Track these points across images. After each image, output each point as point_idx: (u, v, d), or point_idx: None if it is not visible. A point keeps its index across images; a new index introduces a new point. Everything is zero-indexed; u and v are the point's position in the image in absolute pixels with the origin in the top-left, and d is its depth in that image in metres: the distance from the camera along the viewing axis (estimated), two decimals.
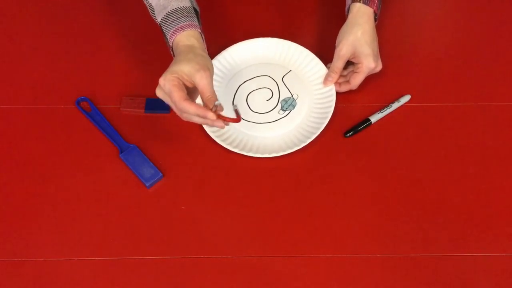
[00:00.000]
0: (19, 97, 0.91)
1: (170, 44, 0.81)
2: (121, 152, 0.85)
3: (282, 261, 0.78)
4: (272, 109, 0.89)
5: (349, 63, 0.89)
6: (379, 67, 0.87)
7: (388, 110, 0.89)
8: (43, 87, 0.92)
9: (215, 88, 0.89)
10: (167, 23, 0.80)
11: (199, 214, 0.81)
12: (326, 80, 0.89)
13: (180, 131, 0.88)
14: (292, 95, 0.90)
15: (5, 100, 0.91)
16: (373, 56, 0.85)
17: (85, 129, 0.88)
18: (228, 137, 0.86)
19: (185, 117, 0.76)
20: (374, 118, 0.88)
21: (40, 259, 0.78)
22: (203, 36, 0.82)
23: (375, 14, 0.87)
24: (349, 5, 0.88)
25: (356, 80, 0.87)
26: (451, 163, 0.85)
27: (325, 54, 0.91)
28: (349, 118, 0.88)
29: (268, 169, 0.84)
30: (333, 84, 0.89)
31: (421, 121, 0.89)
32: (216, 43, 0.93)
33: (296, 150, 0.84)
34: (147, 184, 0.82)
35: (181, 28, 0.79)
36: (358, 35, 0.85)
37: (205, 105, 0.76)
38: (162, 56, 0.95)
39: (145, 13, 0.93)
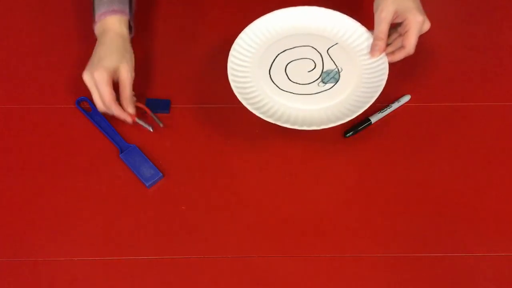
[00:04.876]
0: (19, 97, 0.91)
1: (96, 20, 0.86)
2: (121, 152, 0.85)
3: (282, 261, 0.78)
4: (313, 81, 0.84)
5: (393, 31, 0.83)
6: (428, 24, 0.80)
7: (388, 110, 0.89)
8: (43, 87, 0.92)
9: (249, 55, 0.88)
10: (101, 2, 0.86)
11: (199, 214, 0.81)
12: (373, 50, 0.83)
13: (180, 131, 0.88)
14: (336, 67, 0.85)
15: (5, 100, 0.91)
16: (418, 9, 0.78)
17: (85, 129, 0.88)
18: (263, 105, 0.83)
19: (106, 107, 0.83)
20: (374, 118, 0.88)
21: (40, 259, 0.78)
22: (131, 23, 0.88)
23: None
24: None
25: (410, 40, 0.79)
26: (451, 163, 0.85)
27: (366, 18, 0.87)
28: None
29: (268, 169, 0.84)
30: (385, 56, 0.83)
31: (421, 121, 0.89)
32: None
33: (296, 149, 0.85)
34: (147, 184, 0.82)
35: (112, 11, 0.85)
36: None
37: (123, 100, 0.84)
38: (162, 56, 0.96)
39: (145, 13, 0.94)
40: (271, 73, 0.86)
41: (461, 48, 0.97)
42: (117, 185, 0.83)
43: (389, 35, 0.84)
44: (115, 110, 0.83)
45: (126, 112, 0.84)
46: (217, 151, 0.86)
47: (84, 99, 0.90)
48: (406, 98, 0.90)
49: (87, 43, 0.96)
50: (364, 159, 0.85)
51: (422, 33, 0.81)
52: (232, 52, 0.87)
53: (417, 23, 0.79)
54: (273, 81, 0.85)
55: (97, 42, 0.86)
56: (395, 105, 0.89)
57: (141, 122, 0.86)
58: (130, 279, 0.76)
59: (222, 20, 1.00)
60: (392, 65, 0.91)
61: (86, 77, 0.82)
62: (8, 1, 1.03)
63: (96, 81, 0.81)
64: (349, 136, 0.87)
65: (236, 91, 0.83)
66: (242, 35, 0.88)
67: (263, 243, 0.79)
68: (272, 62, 0.87)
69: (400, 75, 0.93)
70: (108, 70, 0.81)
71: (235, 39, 0.90)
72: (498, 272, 0.77)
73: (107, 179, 0.84)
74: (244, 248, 0.78)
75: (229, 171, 0.85)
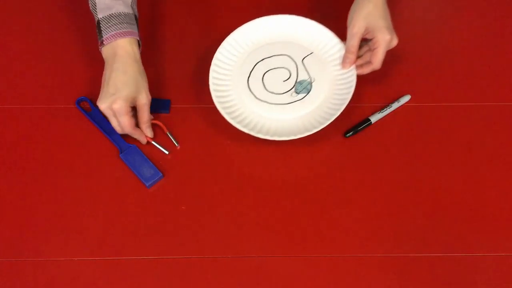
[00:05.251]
0: (19, 97, 0.91)
1: (105, 43, 0.82)
2: (121, 152, 0.85)
3: (282, 261, 0.78)
4: (287, 91, 0.87)
5: (363, 43, 0.87)
6: (395, 41, 0.84)
7: (388, 110, 0.89)
8: (43, 87, 0.92)
9: (231, 64, 0.90)
10: (109, 24, 0.83)
11: (199, 214, 0.81)
12: (344, 62, 0.87)
13: (180, 131, 0.88)
14: (309, 78, 0.87)
15: (5, 100, 0.91)
16: (387, 28, 0.82)
17: (85, 129, 0.88)
18: (239, 115, 0.85)
19: (122, 129, 0.83)
20: (374, 118, 0.88)
21: (40, 259, 0.78)
22: (140, 43, 0.86)
23: None
24: None
25: (378, 57, 0.83)
26: (451, 163, 0.85)
27: (340, 28, 0.88)
28: (349, 118, 0.88)
29: (267, 169, 0.84)
30: (354, 69, 0.86)
31: (421, 121, 0.89)
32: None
33: (296, 149, 0.84)
34: (147, 184, 0.82)
35: (123, 33, 0.82)
36: (370, 9, 0.82)
37: (142, 124, 0.85)
38: (161, 56, 0.96)
39: (144, 14, 0.93)
40: (249, 82, 0.88)
41: (461, 48, 0.97)
42: (117, 185, 0.83)
43: (360, 46, 0.87)
44: (135, 135, 0.85)
45: (144, 135, 0.85)
46: (217, 151, 0.86)
47: (84, 99, 0.90)
48: (406, 98, 0.90)
49: (87, 43, 0.96)
50: (364, 159, 0.85)
51: (389, 48, 0.85)
52: (214, 61, 0.89)
53: (385, 42, 0.82)
54: (250, 90, 0.87)
55: (108, 65, 0.83)
56: (395, 105, 0.89)
57: (157, 145, 0.86)
58: (130, 279, 0.76)
59: (223, 21, 1.00)
60: (392, 65, 0.91)
61: (104, 107, 0.80)
62: (8, 2, 1.03)
63: (115, 112, 0.80)
64: (349, 136, 0.87)
65: (216, 101, 0.85)
66: (224, 43, 0.90)
67: (263, 243, 0.79)
68: (251, 71, 0.89)
69: (400, 75, 0.93)
70: (126, 101, 0.80)
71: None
72: (498, 272, 0.77)
73: (107, 179, 0.84)
74: (244, 248, 0.78)
75: (229, 171, 0.85)
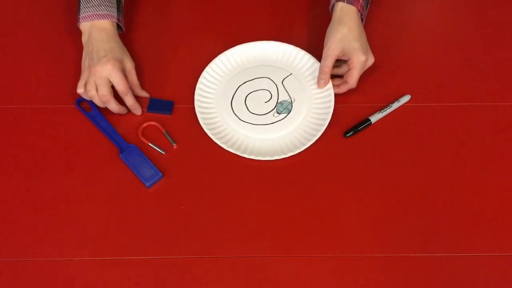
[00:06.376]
0: (19, 97, 0.91)
1: (80, 21, 0.86)
2: (121, 152, 0.85)
3: (282, 261, 0.78)
4: (269, 112, 0.89)
5: (342, 63, 0.89)
6: (371, 60, 0.86)
7: (388, 110, 0.89)
8: (43, 87, 0.92)
9: (214, 87, 0.92)
10: (89, 4, 0.86)
11: (199, 214, 0.81)
12: (318, 82, 0.89)
13: (180, 131, 0.88)
14: (290, 98, 0.90)
15: (5, 100, 0.91)
16: (362, 49, 0.84)
17: (85, 129, 0.88)
18: (225, 135, 0.87)
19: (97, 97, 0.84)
20: (374, 118, 0.88)
21: (40, 259, 0.78)
22: (122, 24, 0.89)
23: (361, 14, 0.87)
24: (333, 4, 0.88)
25: (353, 77, 0.86)
26: (451, 163, 0.85)
27: (320, 53, 0.90)
28: (349, 118, 0.88)
29: (268, 169, 0.84)
30: (332, 88, 0.88)
31: (421, 121, 0.89)
32: (216, 44, 0.94)
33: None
34: (147, 184, 0.82)
35: (99, 15, 0.86)
36: (345, 32, 0.84)
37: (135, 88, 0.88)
38: (162, 56, 0.96)
39: (144, 14, 0.93)
40: (232, 105, 0.90)
41: (461, 48, 0.97)
42: (117, 185, 0.83)
43: (339, 66, 0.89)
44: (129, 99, 0.86)
45: (138, 104, 0.88)
46: (217, 151, 0.86)
47: (84, 99, 0.90)
48: (406, 98, 0.90)
49: None
50: (364, 159, 0.85)
51: (366, 68, 0.87)
52: (199, 85, 0.91)
53: (359, 63, 0.85)
54: (234, 113, 0.89)
55: (87, 39, 0.86)
56: (395, 105, 0.89)
57: (153, 146, 0.86)
58: (129, 279, 0.76)
59: (225, 25, 1.00)
60: (392, 65, 0.91)
61: (100, 68, 0.82)
62: (9, 2, 1.03)
63: (111, 71, 0.82)
64: (349, 136, 0.87)
65: (202, 122, 0.87)
66: (208, 69, 0.92)
67: (263, 243, 0.79)
68: (234, 94, 0.91)
69: (400, 75, 0.93)
70: (118, 61, 0.84)
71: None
72: (498, 272, 0.77)
73: (107, 179, 0.84)
74: (244, 248, 0.78)
75: (229, 171, 0.85)
